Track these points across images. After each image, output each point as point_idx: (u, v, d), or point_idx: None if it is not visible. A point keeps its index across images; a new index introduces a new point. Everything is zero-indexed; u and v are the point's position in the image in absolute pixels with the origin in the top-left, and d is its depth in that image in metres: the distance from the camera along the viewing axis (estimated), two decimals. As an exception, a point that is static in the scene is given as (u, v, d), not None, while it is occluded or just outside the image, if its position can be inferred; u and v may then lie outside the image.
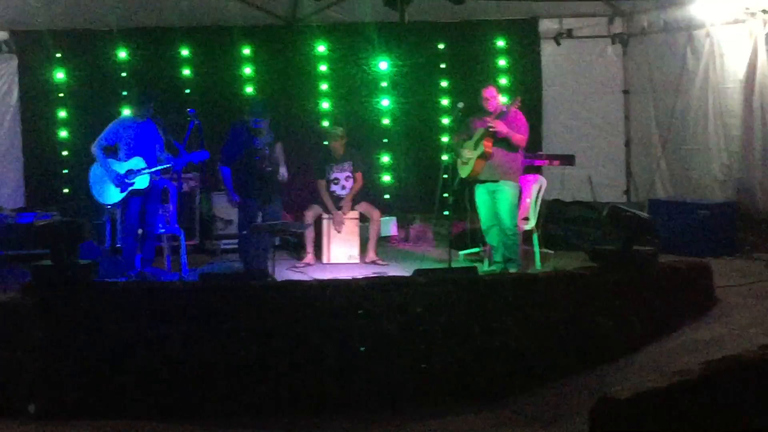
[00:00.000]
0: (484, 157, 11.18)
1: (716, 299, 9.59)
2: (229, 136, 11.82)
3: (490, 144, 11.11)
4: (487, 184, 11.38)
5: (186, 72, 14.49)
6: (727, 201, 12.51)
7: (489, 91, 11.40)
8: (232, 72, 14.60)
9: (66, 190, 13.96)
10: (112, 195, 11.13)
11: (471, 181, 11.50)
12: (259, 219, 11.46)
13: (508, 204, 11.29)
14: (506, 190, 11.28)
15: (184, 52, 14.46)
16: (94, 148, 11.10)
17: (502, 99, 11.37)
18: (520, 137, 11.19)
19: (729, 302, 9.56)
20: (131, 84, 13.67)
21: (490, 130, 11.07)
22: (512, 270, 11.10)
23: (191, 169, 12.69)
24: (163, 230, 11.91)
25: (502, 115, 11.14)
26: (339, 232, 12.74)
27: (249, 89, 14.51)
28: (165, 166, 11.24)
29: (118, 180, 11.04)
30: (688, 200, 12.80)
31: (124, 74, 14.19)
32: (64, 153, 14.10)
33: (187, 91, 14.39)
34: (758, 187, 12.12)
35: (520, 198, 11.65)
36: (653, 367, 7.75)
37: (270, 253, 10.92)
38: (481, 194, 11.50)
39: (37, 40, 13.84)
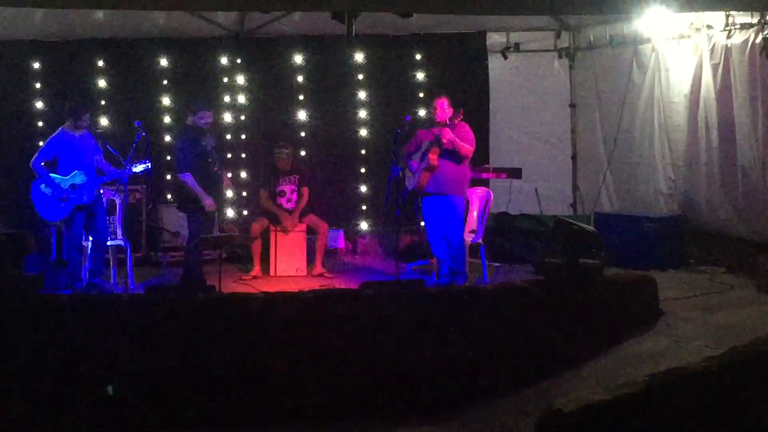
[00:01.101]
0: (430, 169, 11.18)
1: (661, 312, 9.68)
2: (178, 144, 11.76)
3: (435, 156, 11.09)
4: (434, 196, 11.36)
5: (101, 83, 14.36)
6: (673, 214, 12.64)
7: (440, 102, 11.36)
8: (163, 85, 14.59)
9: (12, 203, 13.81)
10: (57, 211, 11.02)
11: (418, 194, 11.50)
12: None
13: (455, 217, 11.28)
14: (452, 202, 11.25)
15: (100, 63, 14.36)
16: (34, 164, 10.97)
17: (450, 110, 11.33)
18: (466, 148, 11.15)
19: (674, 315, 9.64)
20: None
21: (438, 135, 11.07)
22: (459, 283, 11.11)
23: (138, 181, 12.57)
24: (109, 242, 11.81)
25: (449, 127, 11.14)
26: (286, 233, 12.63)
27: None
28: (109, 178, 11.17)
29: (62, 195, 10.94)
30: (634, 213, 12.92)
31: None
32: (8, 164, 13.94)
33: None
34: (703, 200, 12.24)
35: (467, 211, 11.67)
36: (599, 379, 7.81)
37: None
38: (427, 207, 11.48)
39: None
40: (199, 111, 11.60)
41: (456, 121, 11.19)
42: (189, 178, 11.44)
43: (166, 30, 14.08)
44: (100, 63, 14.31)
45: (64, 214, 10.99)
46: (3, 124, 13.93)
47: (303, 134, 14.84)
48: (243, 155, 14.76)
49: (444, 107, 11.32)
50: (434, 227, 11.47)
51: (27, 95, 14.08)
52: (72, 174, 11.00)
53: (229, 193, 12.49)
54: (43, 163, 10.98)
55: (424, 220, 11.66)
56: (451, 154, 11.12)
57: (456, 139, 11.04)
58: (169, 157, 13.26)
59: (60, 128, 11.20)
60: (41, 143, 11.56)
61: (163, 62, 14.47)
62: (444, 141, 11.01)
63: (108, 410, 7.51)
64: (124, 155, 11.01)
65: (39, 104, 14.06)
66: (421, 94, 14.64)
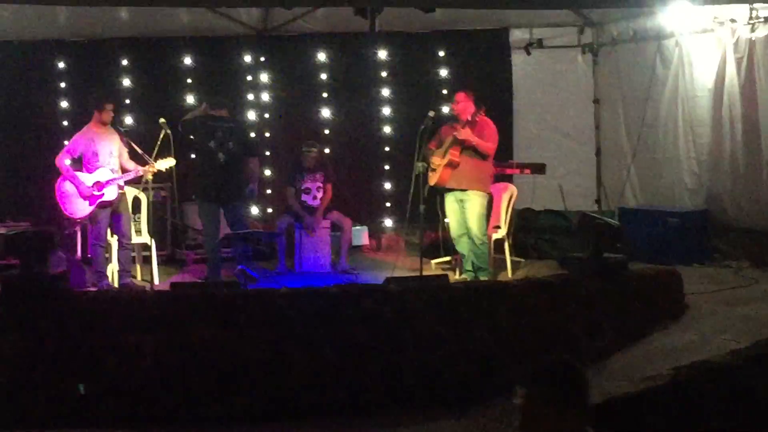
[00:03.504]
0: (451, 165, 11.18)
1: (686, 306, 9.63)
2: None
3: (457, 152, 11.08)
4: (456, 192, 11.35)
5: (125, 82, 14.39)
6: (697, 209, 12.57)
7: (458, 96, 11.42)
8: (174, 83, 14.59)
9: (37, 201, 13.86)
10: (81, 208, 11.09)
11: (441, 190, 11.50)
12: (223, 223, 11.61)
13: (477, 213, 11.25)
14: (474, 199, 11.24)
15: (124, 62, 14.39)
16: (59, 161, 11.04)
17: (471, 105, 11.32)
18: (487, 145, 11.12)
19: (699, 309, 9.60)
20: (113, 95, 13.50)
21: (457, 138, 11.09)
22: (483, 278, 11.10)
23: (162, 179, 12.61)
24: (134, 240, 11.86)
25: (471, 124, 11.14)
26: (312, 235, 12.71)
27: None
28: (134, 176, 11.22)
29: (86, 193, 10.99)
30: (659, 208, 12.87)
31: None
32: (35, 163, 13.99)
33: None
34: (727, 195, 12.18)
35: (491, 207, 11.65)
36: (624, 373, 7.78)
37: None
38: (450, 203, 11.48)
39: (5, 50, 13.78)
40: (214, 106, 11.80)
41: (478, 118, 11.18)
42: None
43: (190, 29, 14.09)
44: (125, 62, 14.30)
45: (87, 210, 11.06)
46: (29, 123, 13.98)
47: (327, 131, 14.85)
48: (267, 153, 14.73)
49: (462, 99, 11.32)
50: (456, 223, 11.47)
51: (52, 95, 14.12)
52: (96, 171, 11.06)
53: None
54: (68, 161, 11.05)
55: (446, 216, 11.66)
56: (472, 151, 11.11)
57: (472, 137, 11.02)
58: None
59: (85, 126, 11.26)
60: (66, 142, 11.60)
61: (188, 61, 14.47)
62: (461, 138, 11.02)
63: (133, 406, 7.54)
64: (150, 153, 11.04)
65: (64, 104, 14.07)
66: (445, 91, 14.58)
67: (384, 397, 7.83)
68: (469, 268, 11.40)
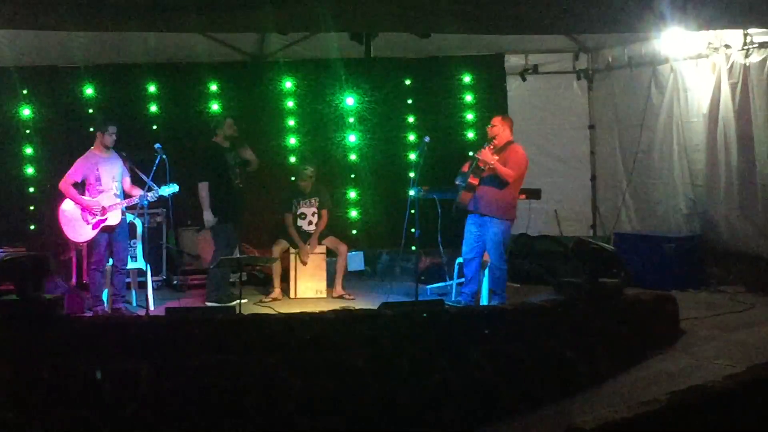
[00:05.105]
0: (469, 188, 11.23)
1: (682, 331, 9.62)
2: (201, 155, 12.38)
3: (477, 177, 11.17)
4: (474, 215, 11.41)
5: (153, 108, 14.44)
6: (693, 234, 12.60)
7: (495, 120, 11.59)
8: (198, 108, 14.55)
9: (32, 227, 13.89)
10: (84, 232, 11.10)
11: (461, 210, 11.54)
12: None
13: (493, 241, 11.25)
14: (490, 226, 11.25)
15: (152, 88, 14.42)
16: (64, 187, 11.06)
17: (507, 131, 11.40)
18: (506, 172, 11.08)
19: (695, 334, 9.59)
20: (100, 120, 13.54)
21: (477, 159, 11.14)
22: (495, 303, 11.07)
23: (158, 204, 12.60)
24: (129, 265, 11.85)
25: (501, 149, 11.21)
26: (305, 264, 12.73)
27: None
28: (140, 201, 11.23)
29: (89, 217, 11.01)
30: (654, 234, 12.91)
31: (90, 111, 14.13)
32: (30, 190, 14.04)
33: (154, 127, 14.30)
34: (723, 220, 12.20)
35: (509, 234, 11.58)
36: (619, 397, 7.78)
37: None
38: (468, 224, 11.52)
39: (1, 76, 13.81)
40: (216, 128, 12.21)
41: (504, 144, 11.27)
42: (203, 188, 11.90)
43: (183, 55, 14.20)
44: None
45: (90, 235, 11.07)
46: (20, 148, 14.03)
47: (324, 157, 14.85)
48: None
49: (496, 124, 11.50)
50: (469, 245, 11.49)
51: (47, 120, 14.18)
52: (99, 196, 11.07)
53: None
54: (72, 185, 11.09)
55: (464, 236, 11.69)
56: (494, 177, 11.14)
57: (492, 159, 11.05)
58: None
59: (87, 151, 11.28)
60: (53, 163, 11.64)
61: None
62: (480, 158, 11.07)
63: (129, 430, 7.53)
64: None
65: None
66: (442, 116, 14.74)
67: (379, 423, 7.81)
68: (469, 290, 11.41)
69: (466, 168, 11.50)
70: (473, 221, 11.45)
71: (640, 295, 9.89)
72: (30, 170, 14.11)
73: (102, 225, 11.08)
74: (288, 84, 14.78)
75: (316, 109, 14.92)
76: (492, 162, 11.05)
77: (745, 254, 11.97)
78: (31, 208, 14.02)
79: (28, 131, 14.13)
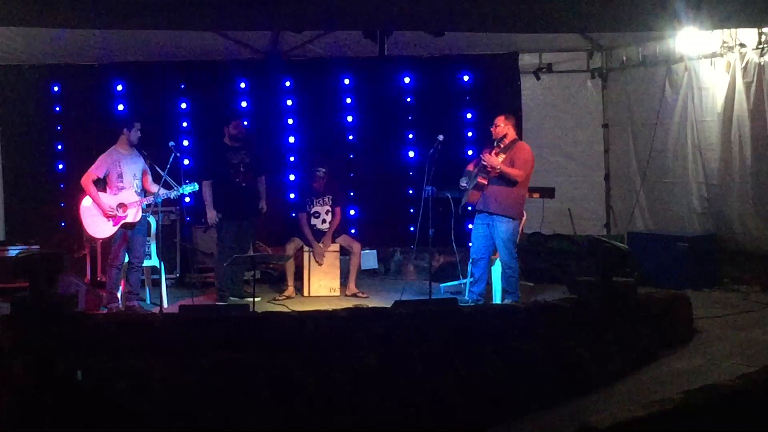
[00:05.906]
0: (478, 188, 11.25)
1: (695, 330, 9.61)
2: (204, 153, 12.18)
3: (485, 176, 11.17)
4: (483, 214, 11.40)
5: (183, 105, 14.62)
6: (707, 233, 12.57)
7: (498, 119, 11.53)
8: (224, 105, 14.63)
9: (63, 224, 13.93)
10: (104, 229, 11.13)
11: (467, 209, 11.54)
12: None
13: (503, 239, 11.23)
14: (500, 225, 11.24)
15: (182, 86, 14.63)
16: (85, 182, 11.09)
17: (510, 129, 11.39)
18: (514, 172, 11.10)
19: (708, 333, 9.57)
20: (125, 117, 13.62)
21: (482, 163, 11.14)
22: (508, 302, 11.06)
23: (172, 202, 12.63)
24: (143, 263, 11.88)
25: (506, 148, 11.21)
26: (320, 264, 12.74)
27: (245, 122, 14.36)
28: (162, 198, 11.26)
29: (110, 213, 11.04)
30: (668, 233, 12.87)
31: (120, 107, 14.30)
32: (61, 186, 14.19)
33: (185, 124, 14.54)
34: (737, 219, 12.18)
35: (517, 231, 11.56)
36: (632, 396, 7.75)
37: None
38: (477, 223, 11.51)
39: (21, 74, 13.85)
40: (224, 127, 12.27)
41: (519, 142, 11.34)
42: (206, 186, 11.94)
43: (197, 53, 14.23)
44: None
45: (110, 231, 11.10)
46: (40, 145, 14.10)
47: (338, 155, 14.89)
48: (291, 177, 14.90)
49: (499, 124, 11.48)
50: (478, 245, 11.49)
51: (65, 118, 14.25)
52: (121, 193, 11.10)
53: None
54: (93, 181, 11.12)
55: (472, 236, 11.68)
56: (501, 176, 11.14)
57: (497, 163, 11.06)
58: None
59: (110, 147, 11.31)
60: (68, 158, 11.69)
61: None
62: (485, 164, 11.07)
63: (141, 428, 7.53)
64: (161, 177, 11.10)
65: (78, 128, 14.21)
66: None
67: (392, 422, 7.80)
68: (479, 290, 11.40)
69: (470, 168, 11.51)
70: (482, 221, 11.44)
71: (654, 294, 9.88)
72: (60, 166, 14.27)
73: (122, 222, 11.10)
74: (299, 82, 14.84)
75: (327, 106, 14.99)
76: (498, 166, 11.06)
77: (760, 253, 11.95)
78: (62, 204, 14.06)
79: (59, 128, 14.31)
